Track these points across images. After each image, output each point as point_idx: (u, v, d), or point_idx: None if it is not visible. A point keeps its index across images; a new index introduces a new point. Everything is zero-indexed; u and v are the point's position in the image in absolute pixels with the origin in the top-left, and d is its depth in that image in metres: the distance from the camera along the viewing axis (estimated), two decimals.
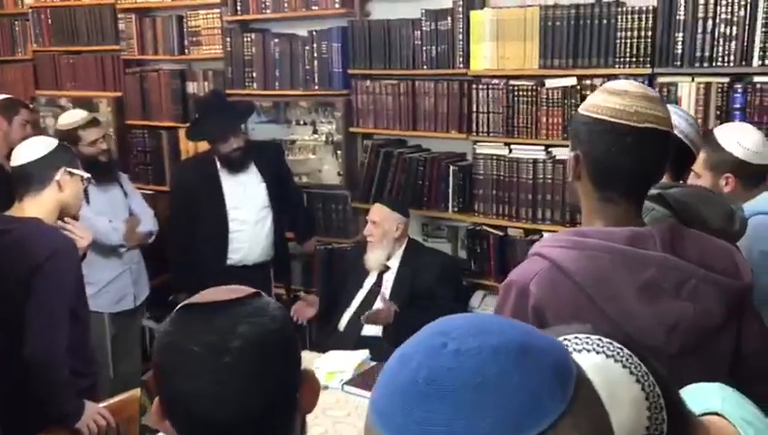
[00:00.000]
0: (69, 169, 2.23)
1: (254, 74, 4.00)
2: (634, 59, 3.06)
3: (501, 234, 3.50)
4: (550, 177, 3.31)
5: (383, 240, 3.21)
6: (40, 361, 2.03)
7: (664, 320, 1.22)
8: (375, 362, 2.77)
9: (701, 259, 1.27)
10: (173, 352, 0.87)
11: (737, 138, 2.03)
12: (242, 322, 0.86)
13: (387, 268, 3.26)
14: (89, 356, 2.33)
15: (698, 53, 2.93)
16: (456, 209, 3.61)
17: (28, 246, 2.08)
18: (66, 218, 2.29)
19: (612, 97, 1.24)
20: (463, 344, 0.54)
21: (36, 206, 2.17)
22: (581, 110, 1.29)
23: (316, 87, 3.85)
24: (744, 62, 2.85)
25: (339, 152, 3.90)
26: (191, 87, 4.23)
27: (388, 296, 3.14)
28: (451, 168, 3.59)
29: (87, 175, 2.32)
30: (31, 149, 2.21)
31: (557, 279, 1.25)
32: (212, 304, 0.88)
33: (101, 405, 2.25)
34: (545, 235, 3.36)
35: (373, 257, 3.23)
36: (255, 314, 0.87)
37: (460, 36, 3.41)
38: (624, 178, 1.27)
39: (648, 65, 3.04)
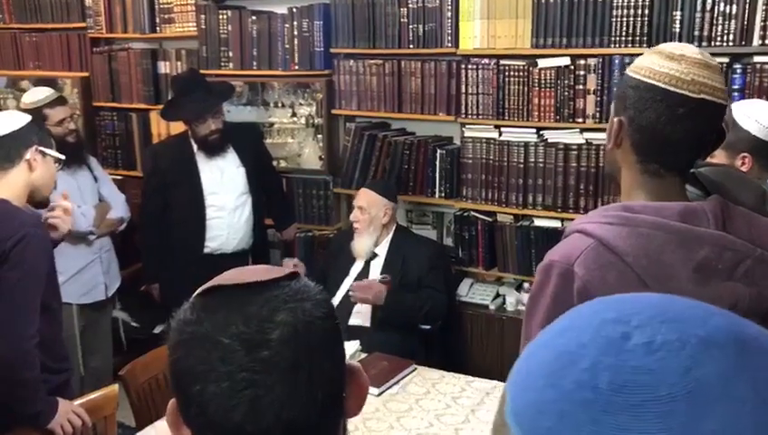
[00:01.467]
0: (41, 149, 2.04)
1: (230, 54, 3.82)
2: (630, 38, 2.97)
3: (490, 220, 3.40)
4: (541, 161, 3.21)
5: (370, 226, 3.08)
6: (9, 359, 1.84)
7: (720, 303, 1.10)
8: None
9: (751, 238, 1.16)
10: (196, 346, 0.70)
11: (755, 115, 1.93)
12: (281, 308, 0.70)
13: (374, 256, 3.12)
14: (61, 351, 2.15)
15: (696, 32, 2.84)
16: (442, 195, 3.48)
17: None
18: (54, 203, 2.10)
19: (668, 61, 1.12)
20: (654, 335, 0.40)
21: (3, 186, 1.98)
22: (631, 72, 1.17)
23: (296, 67, 3.69)
24: (743, 42, 2.77)
25: (320, 136, 3.75)
26: (163, 67, 4.03)
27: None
28: (438, 151, 3.46)
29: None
30: None
31: (605, 259, 1.12)
32: (243, 287, 0.72)
33: (76, 403, 2.07)
34: (536, 221, 3.28)
35: (360, 244, 3.09)
36: (296, 299, 0.71)
37: (449, 14, 3.28)
38: (671, 150, 1.15)
39: (645, 44, 2.94)
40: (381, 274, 3.03)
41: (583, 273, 1.13)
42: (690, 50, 1.14)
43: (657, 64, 1.13)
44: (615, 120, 1.18)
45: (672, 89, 1.11)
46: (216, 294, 0.73)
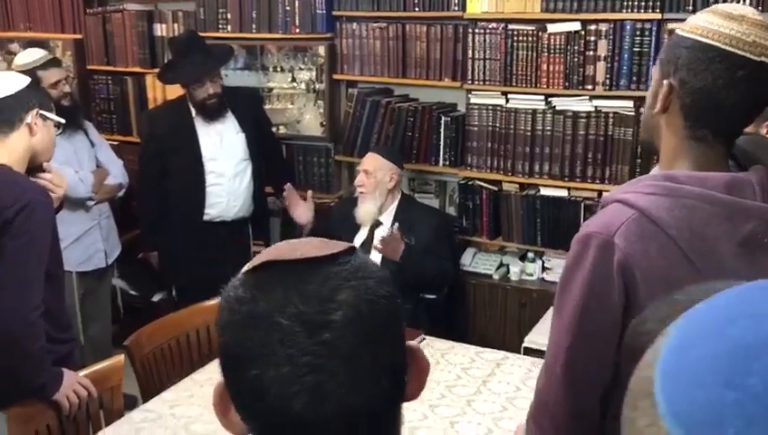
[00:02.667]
0: (42, 112, 1.96)
1: (229, 16, 3.71)
2: (643, 3, 2.90)
3: (495, 189, 3.35)
4: (549, 128, 3.15)
5: (375, 191, 3.02)
6: (14, 330, 1.78)
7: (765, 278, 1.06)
8: None
9: None
10: (252, 326, 0.64)
11: None
12: (343, 286, 0.64)
13: (379, 223, 3.07)
14: (65, 321, 2.09)
15: None
16: (447, 163, 3.43)
17: None
18: (45, 166, 2.02)
19: (727, 21, 1.06)
20: None
21: (3, 150, 1.90)
22: (683, 32, 1.11)
23: (297, 30, 3.59)
24: (761, 7, 2.71)
25: (320, 102, 3.66)
26: (159, 29, 3.91)
27: (380, 255, 2.95)
28: (443, 118, 3.39)
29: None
30: None
31: (648, 231, 1.08)
32: (299, 263, 0.65)
33: (82, 374, 2.02)
34: (542, 190, 3.23)
35: (365, 210, 3.04)
36: (358, 276, 0.65)
37: None
38: (725, 115, 1.10)
39: (658, 10, 2.88)
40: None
41: (624, 245, 1.08)
42: (749, 10, 1.09)
43: (716, 24, 1.07)
44: (664, 82, 1.12)
45: (732, 50, 1.05)
46: (270, 269, 0.66)
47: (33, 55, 3.06)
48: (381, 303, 0.66)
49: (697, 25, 1.09)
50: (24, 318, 1.80)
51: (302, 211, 3.15)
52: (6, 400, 1.86)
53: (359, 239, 3.10)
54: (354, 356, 0.63)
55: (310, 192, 3.31)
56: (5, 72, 2.10)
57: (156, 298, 3.87)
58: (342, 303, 0.64)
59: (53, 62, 3.10)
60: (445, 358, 2.36)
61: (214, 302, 2.58)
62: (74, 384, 1.96)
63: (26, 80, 1.99)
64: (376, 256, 3.00)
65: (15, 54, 4.25)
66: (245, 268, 0.69)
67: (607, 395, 1.15)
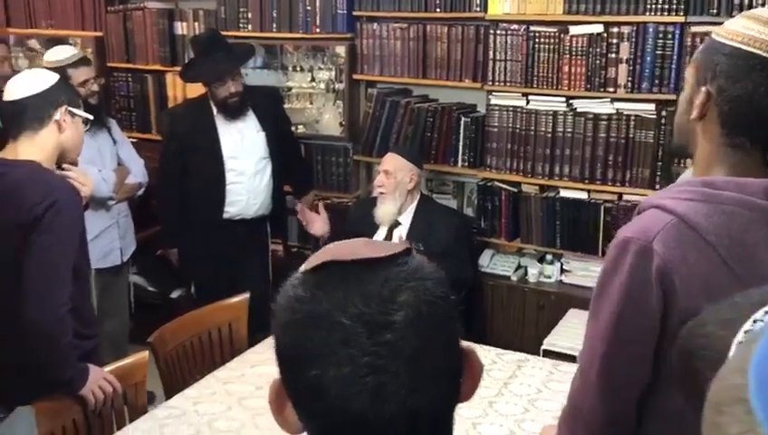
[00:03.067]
0: (71, 109, 1.97)
1: (249, 15, 3.72)
2: (666, 5, 2.89)
3: (514, 190, 3.34)
4: (570, 130, 3.15)
5: (395, 191, 3.02)
6: (43, 326, 1.80)
7: None
8: None
9: None
10: (313, 326, 0.64)
11: None
12: (403, 287, 0.65)
13: (397, 224, 3.08)
14: (90, 317, 2.10)
15: (737, 1, 2.77)
16: (465, 164, 3.43)
17: (25, 194, 1.83)
18: (64, 165, 2.04)
19: (767, 28, 1.06)
20: None
21: (32, 147, 1.92)
22: (721, 38, 1.10)
23: (317, 30, 3.60)
24: None
25: (339, 101, 3.67)
26: (180, 28, 3.93)
27: None
28: (463, 119, 3.39)
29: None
30: (28, 83, 1.94)
31: (687, 237, 1.07)
32: (359, 263, 0.66)
33: (106, 369, 2.04)
34: (561, 192, 3.23)
35: (384, 210, 3.04)
36: (417, 277, 0.66)
37: None
38: (765, 123, 1.09)
39: (681, 13, 2.87)
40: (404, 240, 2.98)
41: (663, 251, 1.08)
42: None
43: (756, 30, 1.06)
44: (702, 89, 1.12)
45: None
46: (330, 269, 0.67)
47: (65, 53, 3.08)
48: (440, 304, 0.67)
49: (737, 32, 1.08)
50: (53, 313, 1.81)
51: (319, 225, 3.16)
52: (34, 394, 1.88)
53: (377, 239, 3.11)
54: (415, 357, 0.64)
55: (321, 204, 3.30)
56: (35, 69, 2.11)
57: (174, 295, 3.89)
58: (403, 304, 0.64)
59: (84, 61, 3.12)
60: None
61: (236, 299, 2.60)
62: (100, 380, 1.98)
63: (55, 77, 2.00)
64: None
65: (36, 51, 4.31)
66: (304, 267, 0.69)
67: (642, 401, 1.15)
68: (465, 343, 0.71)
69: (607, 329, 1.14)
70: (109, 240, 3.23)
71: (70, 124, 1.97)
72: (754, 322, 0.69)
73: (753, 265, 1.07)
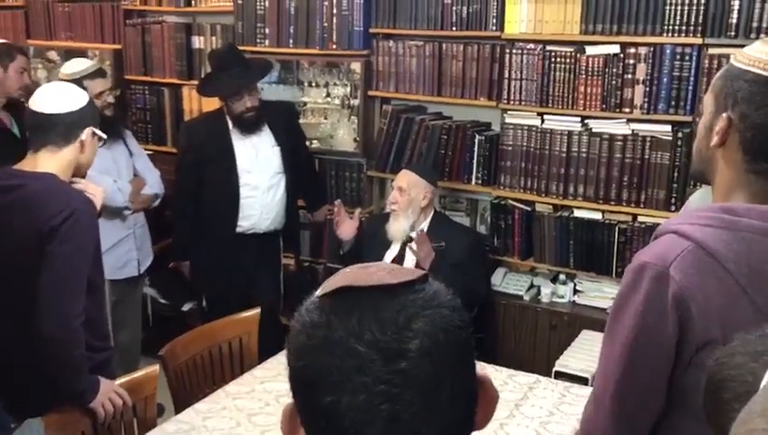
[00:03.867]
0: (95, 130, 1.99)
1: (267, 30, 3.75)
2: (684, 27, 2.88)
3: (528, 209, 3.33)
4: (585, 150, 3.13)
5: (408, 208, 3.02)
6: (57, 337, 1.81)
7: None
8: None
9: None
10: (328, 352, 0.64)
11: None
12: (419, 314, 0.64)
13: (410, 239, 3.06)
14: (103, 329, 2.11)
15: (755, 23, 2.75)
16: (479, 182, 3.42)
17: (42, 206, 1.85)
18: (73, 178, 2.05)
19: None
20: None
21: (52, 161, 1.93)
22: (741, 64, 1.09)
23: (334, 46, 3.61)
24: None
25: (354, 117, 3.68)
26: (197, 42, 3.96)
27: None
28: (477, 137, 3.39)
29: (104, 135, 2.08)
30: (62, 99, 1.95)
31: (705, 264, 1.06)
32: (375, 289, 0.66)
33: (117, 382, 2.04)
34: (576, 212, 3.21)
35: (396, 227, 3.04)
36: (433, 305, 0.65)
37: None
38: None
39: (699, 35, 2.86)
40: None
41: (680, 277, 1.07)
42: None
43: None
44: (723, 116, 1.11)
45: None
46: (346, 295, 0.66)
47: (81, 65, 3.12)
48: (456, 332, 0.66)
49: (759, 58, 1.07)
50: (66, 325, 1.82)
51: (347, 228, 3.16)
52: (44, 406, 1.88)
53: (389, 256, 3.10)
54: (430, 386, 0.63)
55: (358, 210, 3.31)
56: (66, 83, 2.13)
57: (185, 308, 3.90)
58: (419, 331, 0.63)
59: (100, 73, 3.15)
60: None
61: (247, 314, 2.59)
62: (110, 392, 1.98)
63: (86, 96, 2.02)
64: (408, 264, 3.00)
65: (54, 63, 4.36)
66: (320, 292, 0.69)
67: (657, 424, 1.13)
68: (480, 372, 0.70)
69: (621, 354, 1.13)
70: (125, 250, 3.25)
71: (90, 143, 1.99)
72: None
73: None
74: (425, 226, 3.08)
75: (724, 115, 1.10)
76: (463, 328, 0.67)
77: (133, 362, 3.25)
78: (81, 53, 4.01)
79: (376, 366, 0.62)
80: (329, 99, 3.73)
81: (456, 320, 0.66)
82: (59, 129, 1.92)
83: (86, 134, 1.96)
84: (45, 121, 1.92)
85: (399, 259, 3.07)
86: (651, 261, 1.10)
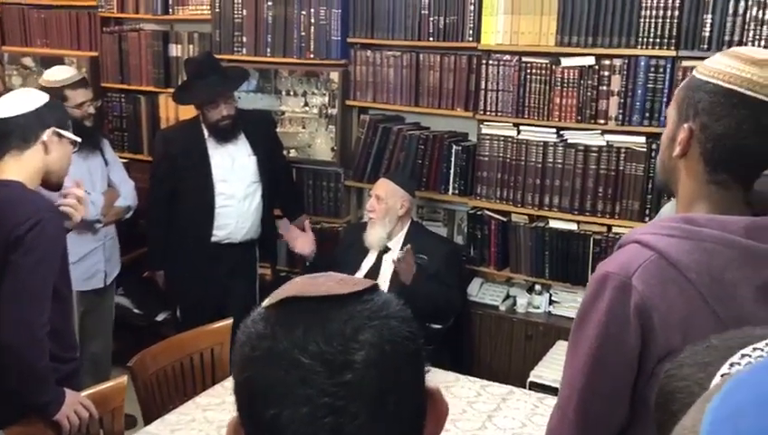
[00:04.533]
0: (58, 130, 1.96)
1: (244, 39, 3.74)
2: (658, 39, 2.90)
3: (504, 219, 3.34)
4: (560, 161, 3.15)
5: (386, 217, 3.01)
6: (21, 347, 1.77)
7: None
8: None
9: None
10: (272, 364, 0.62)
11: None
12: (366, 325, 0.63)
13: (387, 249, 3.06)
14: (70, 340, 2.08)
15: (727, 37, 2.78)
16: (456, 192, 3.42)
17: (7, 214, 1.82)
18: (64, 190, 2.02)
19: (750, 66, 1.05)
20: None
21: (17, 167, 1.90)
22: (703, 75, 1.10)
23: (311, 55, 3.61)
24: None
25: (332, 126, 3.67)
26: (174, 50, 3.94)
27: (389, 279, 2.94)
28: (454, 147, 3.40)
29: (77, 138, 2.05)
30: (16, 102, 1.92)
31: (667, 274, 1.06)
32: (321, 300, 0.64)
33: (84, 394, 2.00)
34: (551, 222, 3.22)
35: (373, 235, 3.03)
36: (381, 316, 0.64)
37: (471, 7, 3.21)
38: (747, 161, 1.09)
39: (673, 47, 2.89)
40: (393, 269, 2.96)
41: (642, 287, 1.07)
42: None
43: (738, 69, 1.06)
44: (684, 126, 1.11)
45: (756, 95, 1.04)
46: (292, 306, 0.65)
47: (63, 74, 3.07)
48: (404, 343, 0.65)
49: (719, 70, 1.08)
50: (31, 335, 1.79)
51: (303, 243, 3.14)
52: (7, 418, 1.84)
53: (366, 264, 3.09)
54: (376, 398, 0.62)
55: (307, 222, 3.29)
56: (26, 88, 2.11)
57: (160, 318, 3.86)
58: (365, 343, 0.62)
59: (82, 83, 3.10)
60: (450, 391, 2.34)
61: (219, 324, 2.57)
62: (76, 404, 1.94)
63: (45, 97, 2.00)
64: (385, 277, 2.99)
65: (30, 70, 4.31)
66: (266, 303, 0.67)
67: None
68: (431, 384, 0.69)
69: (585, 364, 1.12)
70: (94, 262, 3.20)
71: (56, 145, 1.96)
72: (731, 365, 0.67)
73: (732, 305, 1.06)
74: (402, 234, 3.07)
75: (686, 126, 1.11)
76: (411, 339, 0.66)
77: (104, 373, 3.20)
78: (58, 60, 3.97)
79: (320, 378, 0.61)
80: (307, 108, 3.72)
81: (405, 331, 0.65)
82: (17, 132, 1.89)
83: (47, 135, 1.93)
84: (2, 127, 1.89)
85: (376, 268, 3.06)
86: (614, 271, 1.10)
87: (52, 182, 2.00)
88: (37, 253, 1.80)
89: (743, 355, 0.66)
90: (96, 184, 3.14)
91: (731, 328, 1.03)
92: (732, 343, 0.71)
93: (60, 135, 1.97)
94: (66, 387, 1.96)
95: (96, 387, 2.09)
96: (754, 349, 0.67)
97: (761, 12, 2.71)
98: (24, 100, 1.94)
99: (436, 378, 2.42)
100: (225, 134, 3.23)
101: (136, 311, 3.87)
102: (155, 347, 2.35)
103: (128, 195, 3.28)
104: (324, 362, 0.61)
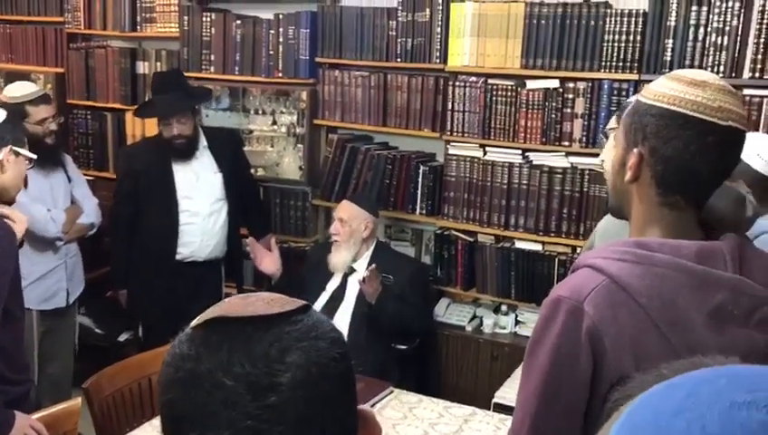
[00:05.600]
0: (15, 148, 1.93)
1: (212, 57, 3.73)
2: (620, 63, 2.95)
3: (470, 239, 3.34)
4: (525, 182, 3.17)
5: (350, 240, 3.00)
6: None
7: (733, 352, 1.05)
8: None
9: (767, 282, 1.11)
10: (195, 386, 0.61)
11: (757, 149, 1.91)
12: (293, 347, 0.62)
13: (352, 271, 3.04)
14: (22, 362, 2.02)
15: (687, 62, 2.83)
16: (423, 212, 3.43)
17: None
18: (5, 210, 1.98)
19: (691, 88, 1.07)
20: None
21: None
22: (648, 99, 1.11)
23: (280, 74, 3.61)
24: (734, 74, 2.77)
25: (300, 145, 3.66)
26: (141, 67, 3.92)
27: (354, 300, 2.93)
28: (421, 168, 3.40)
29: (33, 156, 2.02)
30: None
31: (618, 299, 1.06)
32: (249, 321, 0.63)
33: (35, 416, 1.95)
34: (517, 243, 3.23)
35: (338, 258, 3.01)
36: (309, 337, 0.63)
37: (438, 29, 3.24)
38: (697, 181, 1.10)
39: (636, 71, 2.93)
40: (359, 290, 2.94)
41: (594, 312, 1.07)
42: (710, 76, 1.09)
43: (680, 91, 1.07)
44: (634, 151, 1.11)
45: (700, 116, 1.05)
46: (218, 327, 0.64)
47: (25, 89, 3.02)
48: (332, 366, 0.64)
49: (663, 93, 1.09)
50: None
51: (269, 261, 3.11)
52: None
53: (332, 285, 3.07)
54: (302, 421, 0.61)
55: (273, 240, 3.24)
56: None
57: (122, 338, 3.78)
58: (292, 364, 0.61)
59: (44, 99, 3.05)
60: (413, 412, 2.32)
61: None
62: (26, 428, 1.89)
63: (2, 114, 1.96)
64: (350, 299, 2.97)
65: None
66: (193, 323, 0.66)
67: None
68: (364, 407, 0.68)
69: (537, 388, 1.12)
70: (55, 280, 3.13)
71: (12, 164, 1.92)
72: None
73: (683, 329, 1.06)
74: (367, 255, 3.06)
75: (636, 150, 1.11)
76: (340, 361, 0.65)
77: (64, 395, 3.11)
78: (24, 76, 3.91)
79: (244, 401, 0.60)
80: (275, 127, 3.71)
81: (334, 352, 0.64)
82: None
83: (4, 153, 1.89)
84: None
85: (341, 289, 3.04)
86: (566, 295, 1.10)
87: (4, 199, 1.95)
88: None
89: None
90: (58, 200, 3.09)
91: (682, 352, 1.04)
92: (680, 371, 0.71)
93: (17, 153, 1.93)
94: (16, 410, 1.90)
95: (48, 409, 2.03)
96: None
97: (719, 38, 2.77)
98: None
99: (400, 399, 2.40)
100: (180, 152, 3.19)
101: (98, 331, 3.79)
102: (112, 368, 2.30)
103: (91, 212, 3.23)
104: (249, 384, 0.60)
